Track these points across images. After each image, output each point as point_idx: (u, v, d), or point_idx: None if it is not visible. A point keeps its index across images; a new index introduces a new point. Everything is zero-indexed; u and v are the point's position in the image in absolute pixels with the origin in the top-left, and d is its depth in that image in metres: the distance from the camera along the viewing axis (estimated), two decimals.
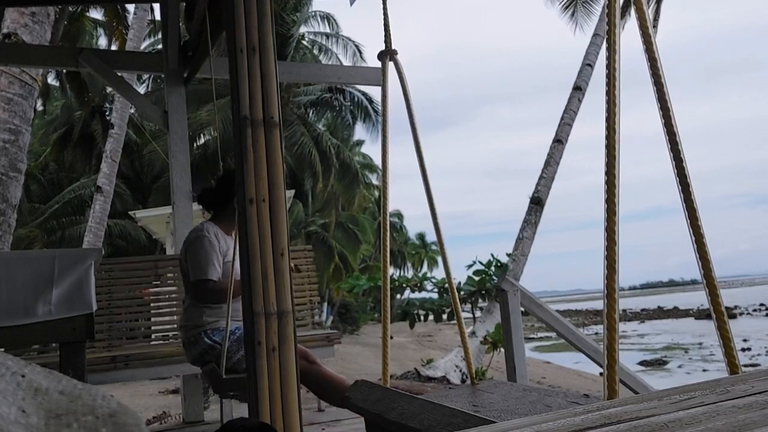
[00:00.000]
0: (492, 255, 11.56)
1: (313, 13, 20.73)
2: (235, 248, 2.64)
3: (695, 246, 1.37)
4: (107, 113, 17.23)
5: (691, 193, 1.38)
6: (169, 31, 4.30)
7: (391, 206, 2.57)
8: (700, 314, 38.81)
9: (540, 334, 30.89)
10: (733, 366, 1.34)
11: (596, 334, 23.01)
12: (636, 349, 23.66)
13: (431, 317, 13.57)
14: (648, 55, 1.46)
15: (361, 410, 1.86)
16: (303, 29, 20.64)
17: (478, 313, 11.53)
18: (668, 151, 1.40)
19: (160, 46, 7.29)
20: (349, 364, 14.32)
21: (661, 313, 48.30)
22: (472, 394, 2.06)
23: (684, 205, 1.39)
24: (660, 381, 13.89)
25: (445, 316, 12.61)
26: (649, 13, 1.54)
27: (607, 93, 1.43)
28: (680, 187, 1.39)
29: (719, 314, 1.34)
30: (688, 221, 1.38)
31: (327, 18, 21.06)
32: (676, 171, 1.40)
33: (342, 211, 24.08)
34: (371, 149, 30.92)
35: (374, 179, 27.40)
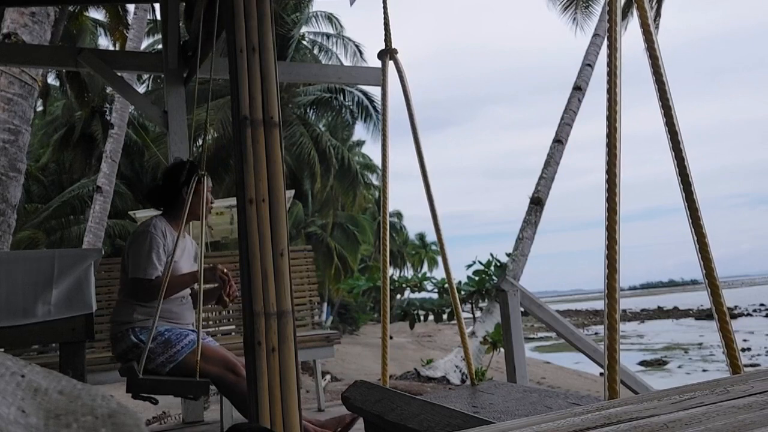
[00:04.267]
0: (492, 255, 11.57)
1: (314, 14, 20.73)
2: (175, 245, 2.60)
3: (697, 246, 1.37)
4: (107, 113, 17.22)
5: (692, 193, 1.38)
6: (169, 31, 4.30)
7: (391, 206, 2.56)
8: (700, 314, 38.81)
9: (540, 334, 30.89)
10: (735, 366, 1.34)
11: (596, 334, 23.02)
12: (636, 349, 23.65)
13: (431, 317, 13.58)
14: (650, 53, 1.46)
15: (361, 411, 1.86)
16: (304, 29, 20.64)
17: (478, 313, 11.53)
18: (670, 151, 1.40)
19: (160, 46, 7.29)
20: (348, 364, 14.32)
21: (661, 313, 48.27)
22: (472, 395, 2.06)
23: (686, 204, 1.39)
24: (660, 381, 13.89)
25: (445, 316, 12.64)
26: (650, 12, 1.54)
27: (608, 92, 1.43)
28: (682, 186, 1.39)
29: (721, 314, 1.33)
30: (690, 220, 1.37)
31: (330, 18, 21.06)
32: (677, 170, 1.40)
33: (341, 211, 24.07)
34: (371, 149, 30.95)
35: (374, 179, 27.40)
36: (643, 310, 52.97)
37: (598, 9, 13.52)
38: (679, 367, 18.63)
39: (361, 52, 20.78)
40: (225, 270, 2.73)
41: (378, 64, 2.63)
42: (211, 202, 2.91)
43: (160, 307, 2.44)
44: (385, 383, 2.12)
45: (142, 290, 2.64)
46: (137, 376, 2.45)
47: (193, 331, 2.75)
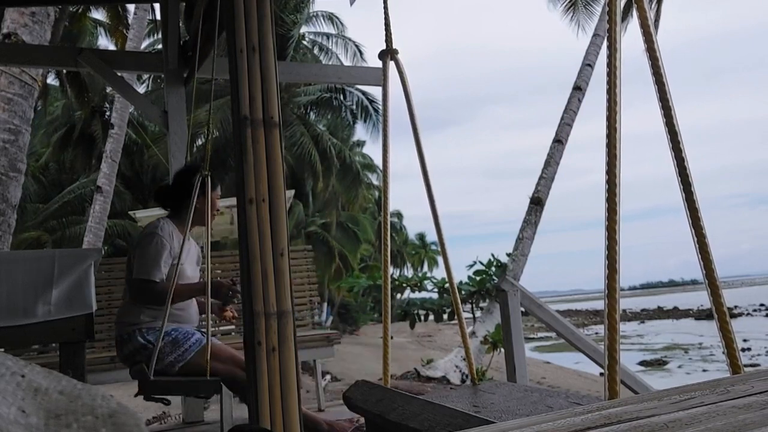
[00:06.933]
0: (492, 255, 11.56)
1: (315, 14, 20.73)
2: (181, 249, 2.59)
3: (697, 246, 1.37)
4: (107, 113, 17.22)
5: (692, 193, 1.38)
6: (169, 31, 4.30)
7: (391, 206, 2.56)
8: (700, 314, 38.81)
9: (540, 334, 30.88)
10: (735, 366, 1.34)
11: (596, 334, 23.03)
12: (636, 349, 23.65)
13: (431, 317, 13.58)
14: (649, 54, 1.46)
15: (362, 410, 1.86)
16: (304, 29, 20.65)
17: (478, 313, 11.53)
18: (670, 150, 1.40)
19: (160, 46, 7.29)
20: (348, 364, 14.32)
21: (661, 313, 48.27)
22: (473, 395, 2.06)
23: (686, 204, 1.39)
24: (660, 381, 13.89)
25: (445, 316, 12.63)
26: (650, 13, 1.54)
27: (608, 92, 1.43)
28: (682, 186, 1.39)
29: (721, 314, 1.33)
30: (690, 220, 1.37)
31: (331, 18, 21.07)
32: (677, 170, 1.40)
33: (343, 211, 24.07)
34: (371, 149, 30.92)
35: (374, 179, 27.40)
36: (643, 310, 52.96)
37: (598, 9, 13.53)
38: (679, 367, 18.63)
39: (361, 52, 20.79)
40: (232, 289, 2.64)
41: (378, 64, 2.63)
42: (217, 209, 2.88)
43: (168, 309, 2.43)
44: (387, 383, 2.12)
45: (147, 292, 2.63)
46: (149, 378, 2.45)
47: (198, 330, 2.75)
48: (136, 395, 2.53)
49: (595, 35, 12.13)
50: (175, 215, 2.84)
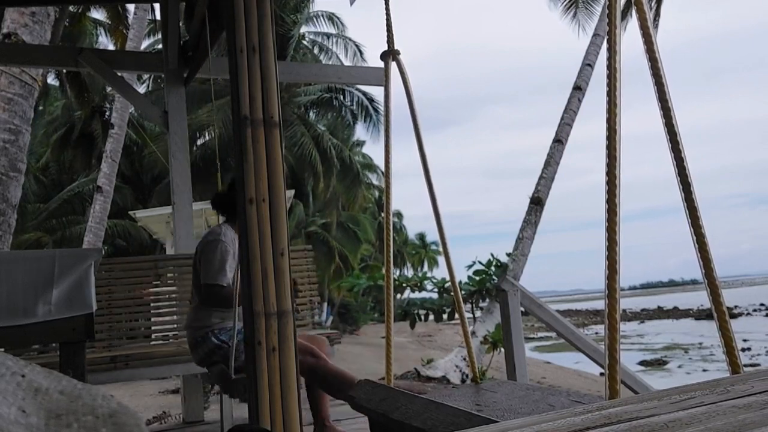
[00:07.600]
0: (492, 255, 11.56)
1: (315, 14, 20.73)
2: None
3: (696, 246, 1.37)
4: (107, 113, 17.21)
5: (692, 193, 1.38)
6: (169, 31, 4.30)
7: (392, 206, 2.56)
8: (700, 314, 38.80)
9: (540, 334, 30.87)
10: (734, 365, 1.34)
11: (596, 334, 23.02)
12: (636, 349, 23.65)
13: (431, 317, 13.57)
14: (649, 55, 1.46)
15: (366, 410, 1.86)
16: (304, 29, 20.65)
17: (478, 313, 11.52)
18: (669, 151, 1.40)
19: (160, 46, 7.29)
20: (349, 364, 14.31)
21: (661, 313, 48.27)
22: (475, 394, 2.06)
23: (685, 204, 1.39)
24: (660, 381, 13.89)
25: (445, 316, 12.62)
26: (650, 13, 1.54)
27: (608, 93, 1.43)
28: (681, 187, 1.39)
29: (720, 314, 1.33)
30: (689, 221, 1.37)
31: (331, 18, 21.07)
32: (677, 170, 1.40)
33: (342, 211, 24.07)
34: (372, 149, 30.92)
35: (374, 179, 27.40)
36: (643, 310, 52.95)
37: (598, 9, 13.52)
38: (679, 367, 18.63)
39: (361, 52, 20.80)
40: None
41: (378, 63, 2.63)
42: None
43: (238, 310, 2.49)
44: (390, 382, 2.12)
45: (214, 296, 2.73)
46: (231, 378, 2.53)
47: None
48: (219, 393, 2.59)
49: (595, 35, 12.12)
50: (233, 220, 2.93)
